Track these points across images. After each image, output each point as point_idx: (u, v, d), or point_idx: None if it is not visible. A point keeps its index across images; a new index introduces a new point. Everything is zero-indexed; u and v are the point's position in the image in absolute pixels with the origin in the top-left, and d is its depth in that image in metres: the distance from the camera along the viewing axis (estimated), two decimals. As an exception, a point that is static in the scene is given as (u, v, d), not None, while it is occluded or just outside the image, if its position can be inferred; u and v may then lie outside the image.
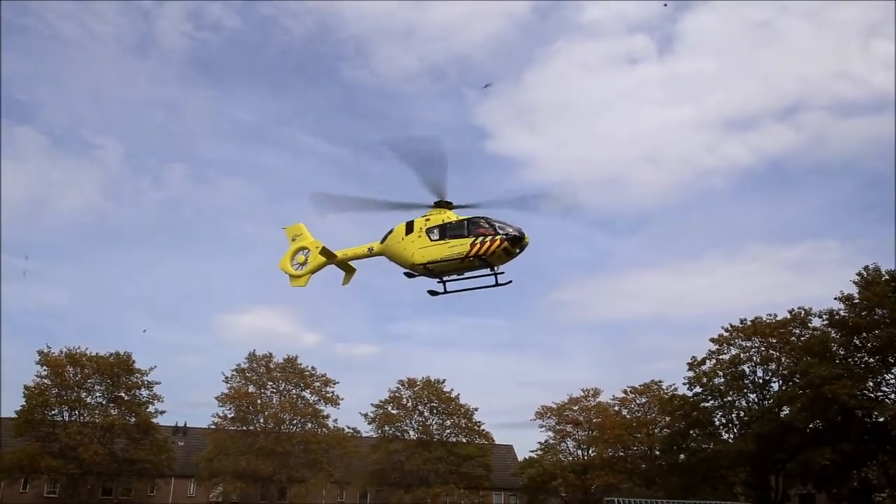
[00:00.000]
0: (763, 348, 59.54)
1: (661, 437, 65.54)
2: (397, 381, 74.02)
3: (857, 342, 53.02)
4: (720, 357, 60.66)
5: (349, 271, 27.17)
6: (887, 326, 49.90)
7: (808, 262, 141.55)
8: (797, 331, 58.75)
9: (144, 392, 68.20)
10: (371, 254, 25.88)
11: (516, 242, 22.66)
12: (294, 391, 71.24)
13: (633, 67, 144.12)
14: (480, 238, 22.59)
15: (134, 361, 68.23)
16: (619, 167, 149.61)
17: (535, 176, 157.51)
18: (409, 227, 24.14)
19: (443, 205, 23.76)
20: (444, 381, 73.57)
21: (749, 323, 60.30)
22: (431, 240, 23.50)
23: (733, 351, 60.53)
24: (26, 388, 64.61)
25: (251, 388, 70.37)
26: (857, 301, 53.09)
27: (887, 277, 52.20)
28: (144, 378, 68.17)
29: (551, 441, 72.71)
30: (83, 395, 66.94)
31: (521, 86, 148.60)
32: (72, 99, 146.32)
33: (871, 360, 52.46)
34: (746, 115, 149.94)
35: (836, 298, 54.25)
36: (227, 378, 70.02)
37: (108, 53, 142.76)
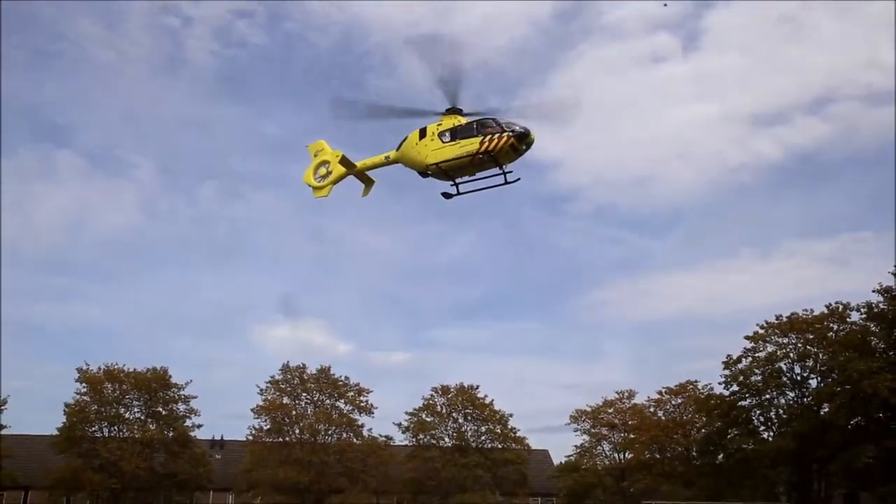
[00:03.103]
0: (800, 344, 58.25)
1: (699, 437, 64.52)
2: (431, 388, 74.16)
3: (898, 335, 51.84)
4: (756, 355, 59.43)
5: (368, 183, 28.57)
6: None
7: (843, 254, 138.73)
8: (834, 325, 57.31)
9: (181, 406, 69.12)
10: (388, 161, 27.32)
11: (522, 139, 24.17)
12: (328, 401, 71.53)
13: (658, 66, 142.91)
14: (489, 136, 24.05)
15: (170, 376, 69.25)
16: (649, 166, 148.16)
17: (564, 178, 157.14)
18: (423, 133, 25.64)
19: (453, 111, 25.15)
20: (477, 387, 73.50)
21: (785, 319, 59.12)
22: (443, 142, 24.98)
23: (770, 348, 59.21)
24: (66, 405, 65.96)
25: (286, 400, 70.80)
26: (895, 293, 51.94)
27: (927, 268, 51.05)
28: (181, 392, 69.11)
29: (587, 445, 72.31)
30: (122, 410, 67.99)
31: (547, 88, 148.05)
32: (107, 120, 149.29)
33: (913, 353, 51.26)
34: (775, 108, 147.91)
35: (874, 291, 53.13)
36: (261, 390, 70.68)
37: (140, 74, 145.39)
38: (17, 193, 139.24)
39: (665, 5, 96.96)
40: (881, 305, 52.68)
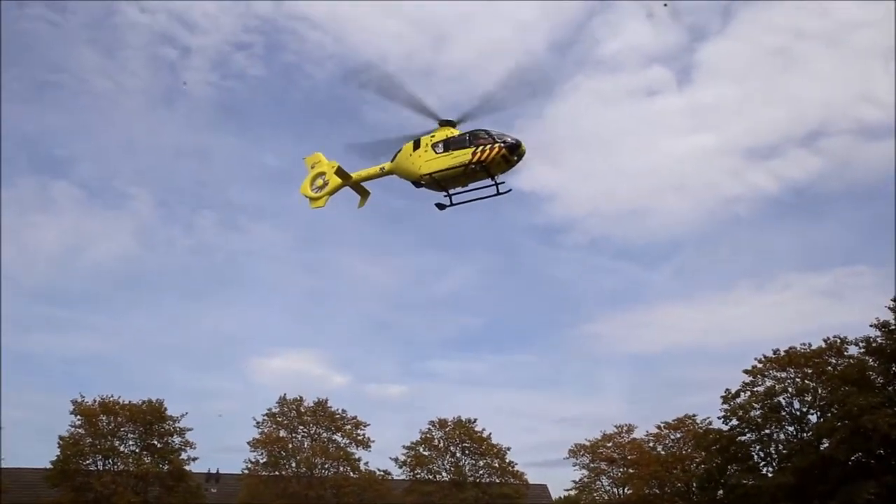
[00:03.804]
0: (798, 379, 58.43)
1: (698, 473, 64.19)
2: (428, 421, 73.66)
3: (897, 369, 51.91)
4: (755, 389, 59.59)
5: (364, 194, 29.17)
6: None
7: (840, 288, 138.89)
8: (833, 360, 57.55)
9: (177, 439, 68.39)
10: (383, 173, 27.99)
11: (514, 150, 24.58)
12: (325, 434, 71.06)
13: (652, 99, 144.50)
14: (480, 147, 24.61)
15: (166, 408, 68.64)
16: (645, 198, 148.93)
17: (559, 210, 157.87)
18: (416, 144, 26.29)
19: (446, 124, 25.85)
20: (475, 421, 73.05)
21: (783, 353, 59.26)
22: (436, 153, 25.59)
23: (768, 382, 59.49)
24: (61, 437, 65.17)
25: (282, 433, 70.33)
26: (893, 327, 52.07)
27: (924, 302, 51.26)
28: (176, 425, 68.43)
29: (586, 479, 71.84)
30: (116, 443, 67.25)
31: (543, 120, 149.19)
32: (105, 151, 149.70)
33: (913, 388, 51.32)
34: (769, 141, 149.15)
35: (871, 325, 53.33)
36: (258, 423, 70.22)
37: (138, 106, 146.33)
38: (15, 224, 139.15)
39: (665, 5, 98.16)
40: (879, 340, 52.83)
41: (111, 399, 67.71)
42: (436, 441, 72.58)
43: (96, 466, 66.23)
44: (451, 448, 72.39)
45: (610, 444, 72.51)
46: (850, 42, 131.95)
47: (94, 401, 67.10)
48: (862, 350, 54.46)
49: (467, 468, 71.57)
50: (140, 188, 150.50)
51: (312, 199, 29.51)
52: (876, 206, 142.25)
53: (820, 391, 57.04)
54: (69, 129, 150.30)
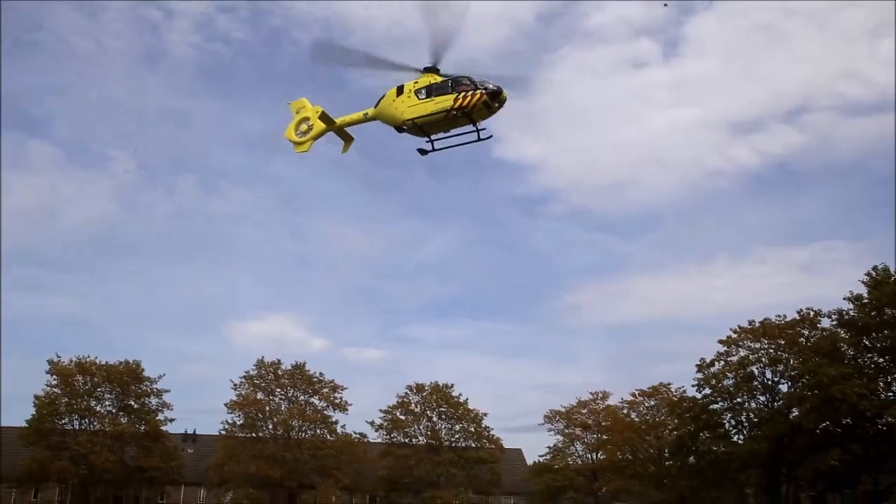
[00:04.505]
0: (772, 349, 59.16)
1: (671, 439, 65.21)
2: (405, 386, 74.22)
3: (867, 342, 52.54)
4: (729, 359, 60.27)
5: (347, 139, 29.45)
6: (897, 326, 49.52)
7: (816, 262, 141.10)
8: (806, 331, 58.28)
9: (154, 400, 68.56)
10: (366, 118, 28.14)
11: (495, 96, 24.77)
12: (302, 397, 71.37)
13: (639, 71, 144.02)
14: (463, 93, 24.90)
15: (143, 370, 68.76)
16: (627, 170, 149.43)
17: (542, 181, 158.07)
18: (400, 90, 26.48)
19: (431, 70, 25.94)
20: (452, 386, 73.78)
21: (758, 324, 59.94)
22: (419, 99, 25.85)
23: (742, 352, 60.12)
24: (36, 397, 65.06)
25: (260, 395, 70.59)
26: (866, 301, 52.66)
27: (897, 277, 51.80)
28: (154, 386, 68.61)
29: (560, 445, 72.77)
30: (93, 403, 67.34)
31: (528, 91, 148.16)
32: (85, 112, 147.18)
33: (882, 360, 52.02)
34: (752, 116, 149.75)
35: (845, 299, 53.87)
36: (235, 385, 70.41)
37: (120, 66, 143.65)
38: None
39: (665, 5, 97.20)
40: (851, 313, 53.43)
41: (88, 359, 67.57)
42: (412, 405, 73.16)
43: (73, 426, 66.35)
44: (428, 412, 73.03)
45: (585, 411, 73.45)
46: (836, 20, 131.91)
47: (71, 361, 66.97)
48: (834, 322, 55.12)
49: (443, 432, 72.38)
50: (120, 150, 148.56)
51: (297, 144, 29.80)
52: (854, 182, 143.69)
53: (792, 362, 57.79)
54: (47, 88, 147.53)
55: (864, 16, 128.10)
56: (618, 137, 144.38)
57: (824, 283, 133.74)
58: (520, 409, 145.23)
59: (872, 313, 51.70)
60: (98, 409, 67.57)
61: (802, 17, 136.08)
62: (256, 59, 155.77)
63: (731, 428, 59.86)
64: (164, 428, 68.48)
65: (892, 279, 51.82)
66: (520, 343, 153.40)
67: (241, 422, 69.19)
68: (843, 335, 54.28)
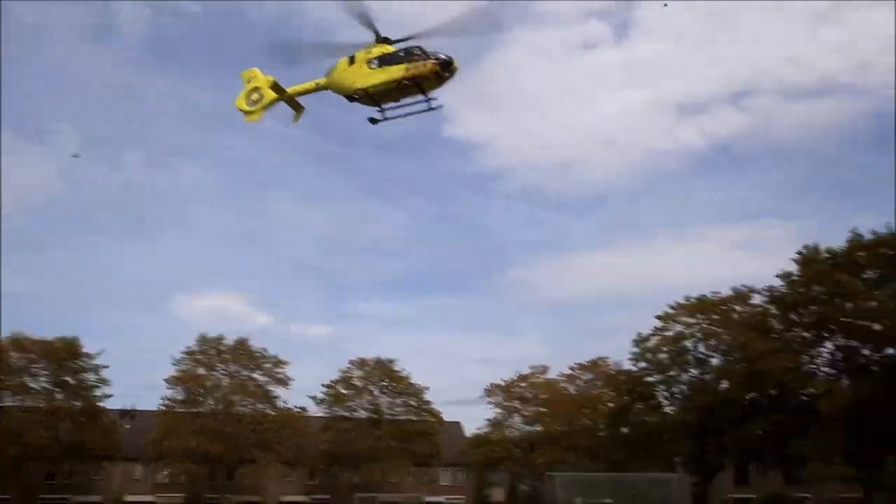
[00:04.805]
0: (705, 324, 60.90)
1: (606, 411, 66.75)
2: (348, 360, 74.40)
3: (794, 317, 54.09)
4: (665, 334, 61.87)
5: (298, 109, 29.42)
6: (823, 302, 51.23)
7: (755, 241, 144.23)
8: (738, 307, 60.08)
9: (91, 376, 67.60)
10: (318, 87, 28.13)
11: (446, 66, 24.91)
12: (244, 373, 71.01)
13: (589, 53, 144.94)
14: (414, 63, 25.02)
15: (81, 346, 67.64)
16: (576, 150, 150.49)
17: (492, 160, 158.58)
18: (352, 60, 26.51)
19: (382, 41, 26.09)
20: (394, 361, 74.28)
21: (693, 300, 61.57)
22: (371, 68, 25.91)
23: (678, 327, 61.79)
24: (-33, 373, 63.52)
25: (201, 370, 70.02)
26: (795, 278, 54.34)
27: (826, 255, 53.48)
28: (92, 362, 67.63)
29: (499, 417, 73.91)
30: (27, 380, 66.11)
31: (480, 71, 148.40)
32: (27, 84, 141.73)
33: (807, 334, 53.84)
34: (699, 98, 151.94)
35: (776, 276, 55.57)
36: (176, 360, 69.69)
37: (65, 39, 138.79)
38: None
39: (665, 5, 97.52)
40: (782, 290, 55.10)
41: (22, 335, 66.22)
42: (355, 380, 73.37)
43: (5, 403, 64.93)
44: (370, 387, 73.34)
45: (524, 385, 74.54)
46: (783, 6, 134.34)
47: (4, 337, 65.54)
48: (766, 299, 56.84)
49: (384, 406, 72.77)
50: (64, 124, 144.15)
51: (247, 113, 29.58)
52: (795, 164, 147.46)
53: (724, 336, 59.58)
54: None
55: (810, 3, 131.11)
56: (568, 118, 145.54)
57: (763, 262, 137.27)
58: (464, 383, 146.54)
59: (801, 290, 53.33)
60: (33, 385, 66.38)
61: (751, 2, 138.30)
62: (208, 33, 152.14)
63: (663, 400, 61.77)
64: (101, 404, 67.70)
65: (822, 257, 53.58)
66: (466, 319, 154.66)
67: (182, 397, 68.67)
68: (773, 311, 56.01)
